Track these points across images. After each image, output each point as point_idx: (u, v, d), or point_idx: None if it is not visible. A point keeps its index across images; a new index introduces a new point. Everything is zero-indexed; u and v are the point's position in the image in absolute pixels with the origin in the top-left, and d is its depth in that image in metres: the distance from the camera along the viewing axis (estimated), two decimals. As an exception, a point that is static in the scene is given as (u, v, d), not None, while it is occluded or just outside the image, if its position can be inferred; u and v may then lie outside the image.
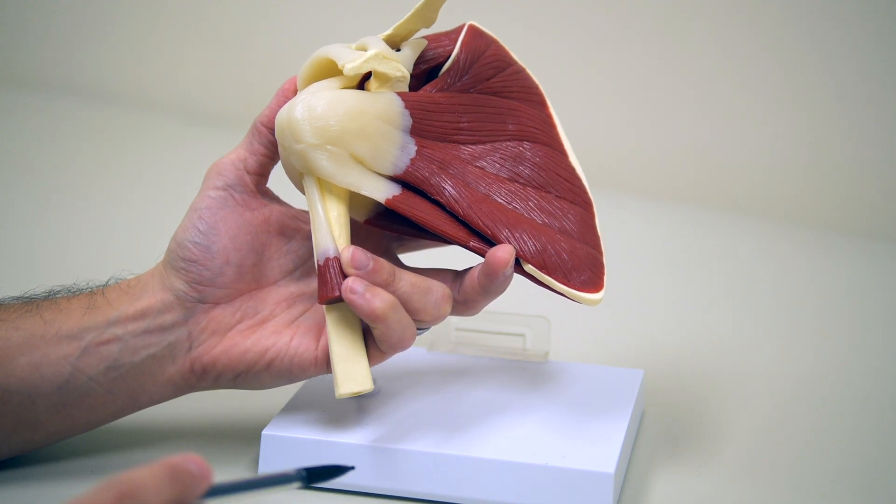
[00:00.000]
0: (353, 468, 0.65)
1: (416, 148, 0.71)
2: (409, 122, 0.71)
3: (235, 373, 0.72)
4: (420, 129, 0.71)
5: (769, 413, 0.82)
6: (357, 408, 0.75)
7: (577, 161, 0.77)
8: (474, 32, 0.75)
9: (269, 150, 0.73)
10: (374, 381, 0.78)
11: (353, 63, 0.69)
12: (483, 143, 0.73)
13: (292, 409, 0.75)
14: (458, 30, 0.75)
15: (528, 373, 0.80)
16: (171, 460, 0.52)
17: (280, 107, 0.72)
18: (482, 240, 0.71)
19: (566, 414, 0.74)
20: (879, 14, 1.22)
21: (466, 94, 0.74)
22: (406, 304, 0.69)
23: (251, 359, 0.72)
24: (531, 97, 0.76)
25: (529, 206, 0.73)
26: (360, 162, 0.70)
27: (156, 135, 1.50)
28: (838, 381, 0.88)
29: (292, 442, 0.72)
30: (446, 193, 0.71)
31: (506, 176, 0.73)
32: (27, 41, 1.67)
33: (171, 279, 0.72)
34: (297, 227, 0.75)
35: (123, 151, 1.46)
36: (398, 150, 0.70)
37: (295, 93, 0.72)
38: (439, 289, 0.70)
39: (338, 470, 0.63)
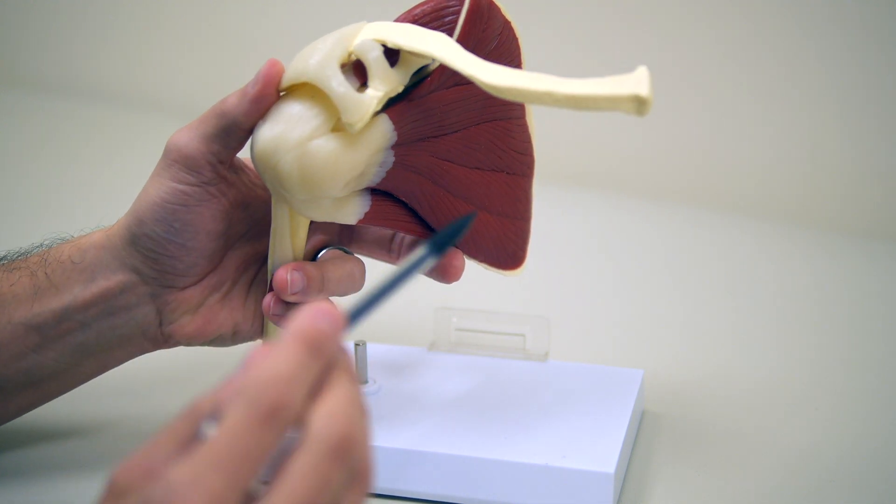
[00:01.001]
0: (472, 217, 0.61)
1: (393, 159, 0.68)
2: (394, 139, 0.68)
3: (207, 340, 0.72)
4: (402, 141, 0.68)
5: (769, 413, 0.82)
6: (357, 408, 0.75)
7: (532, 118, 0.75)
8: (473, 18, 0.70)
9: (244, 142, 0.70)
10: (374, 380, 0.78)
11: (359, 123, 0.65)
12: (458, 131, 0.71)
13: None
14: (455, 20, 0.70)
15: (528, 373, 0.80)
16: (303, 329, 0.46)
17: (258, 109, 0.67)
18: None
19: (566, 414, 0.74)
20: (880, 14, 1.22)
21: (452, 89, 0.70)
22: (334, 294, 0.72)
23: (223, 332, 0.72)
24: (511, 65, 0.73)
25: (489, 193, 0.73)
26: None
27: (156, 135, 1.49)
28: (838, 381, 0.88)
29: (293, 442, 0.72)
30: (413, 198, 0.71)
31: (471, 166, 0.73)
32: (27, 41, 1.67)
33: (136, 262, 0.69)
34: (254, 194, 0.72)
35: (123, 151, 1.46)
36: (378, 168, 0.68)
37: (277, 92, 0.67)
38: (359, 270, 0.73)
39: (459, 227, 0.58)
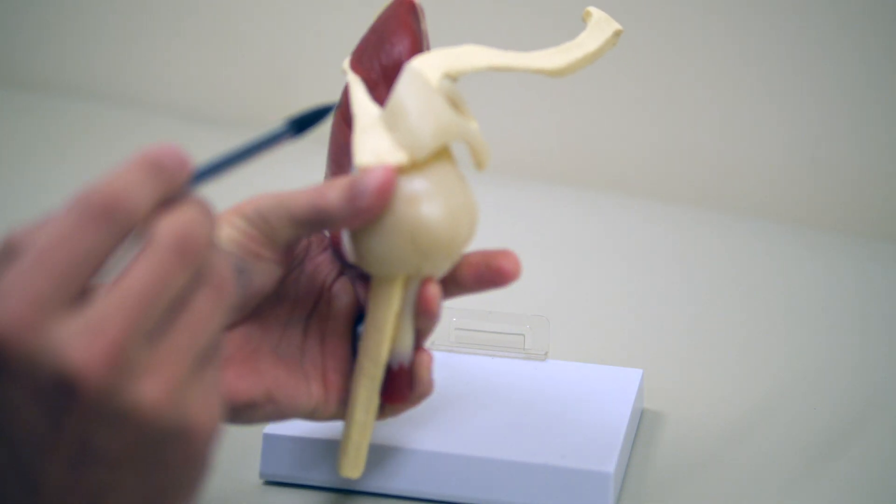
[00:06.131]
0: (335, 105, 0.60)
1: None
2: None
3: (233, 406, 0.63)
4: None
5: (769, 412, 0.82)
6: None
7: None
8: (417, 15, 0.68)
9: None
10: None
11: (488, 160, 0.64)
12: None
13: (292, 408, 0.75)
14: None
15: (527, 372, 0.80)
16: (145, 152, 0.45)
17: (364, 220, 0.60)
18: None
19: (565, 413, 0.74)
20: (881, 13, 1.22)
21: None
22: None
23: (256, 396, 0.64)
24: None
25: None
26: None
27: (155, 134, 1.49)
28: (839, 382, 0.88)
29: (293, 441, 0.72)
30: None
31: None
32: (26, 41, 1.67)
33: None
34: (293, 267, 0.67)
35: (121, 151, 1.46)
36: None
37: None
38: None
39: (322, 112, 0.58)
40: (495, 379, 0.79)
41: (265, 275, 0.62)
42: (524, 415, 0.74)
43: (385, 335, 0.64)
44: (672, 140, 1.32)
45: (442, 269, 0.63)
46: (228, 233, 0.61)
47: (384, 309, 0.63)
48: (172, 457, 0.45)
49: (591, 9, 0.68)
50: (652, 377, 0.85)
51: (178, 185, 0.46)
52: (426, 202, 0.61)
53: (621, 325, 0.98)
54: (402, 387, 0.65)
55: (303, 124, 0.57)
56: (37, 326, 0.42)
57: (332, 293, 0.67)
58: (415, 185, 0.61)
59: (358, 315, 0.67)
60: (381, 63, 0.67)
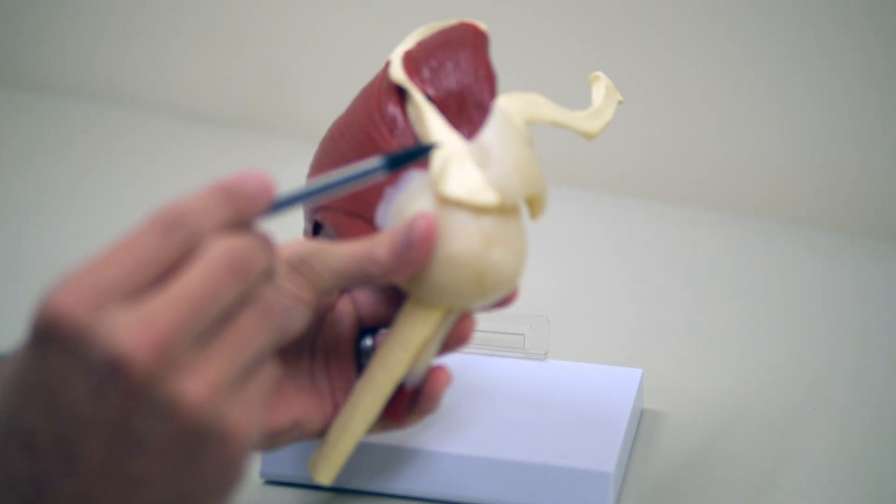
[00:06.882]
0: (434, 146, 0.61)
1: None
2: None
3: (266, 440, 0.64)
4: None
5: (768, 412, 0.82)
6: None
7: None
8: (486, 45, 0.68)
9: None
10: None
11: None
12: None
13: (291, 408, 0.75)
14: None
15: (527, 372, 0.80)
16: (226, 179, 0.50)
17: (409, 272, 0.61)
18: None
19: (565, 413, 0.74)
20: (881, 13, 1.22)
21: None
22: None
23: (285, 427, 0.64)
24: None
25: None
26: None
27: (157, 135, 1.49)
28: (838, 381, 0.88)
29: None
30: None
31: None
32: (26, 41, 1.67)
33: None
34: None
35: (120, 151, 1.46)
36: None
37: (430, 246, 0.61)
38: None
39: (422, 150, 0.60)
40: (495, 379, 0.79)
41: (302, 318, 0.63)
42: (524, 415, 0.74)
43: (411, 355, 0.63)
44: (672, 140, 1.32)
45: (486, 306, 0.64)
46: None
47: (418, 331, 0.63)
48: (207, 459, 0.48)
49: (600, 74, 0.70)
50: (652, 377, 0.85)
51: (255, 211, 0.50)
52: (501, 246, 0.61)
53: (621, 325, 0.98)
54: (403, 405, 0.65)
55: (398, 161, 0.57)
56: (96, 311, 0.46)
57: (336, 314, 0.67)
58: (493, 227, 0.61)
59: (360, 331, 0.67)
60: (449, 88, 0.66)
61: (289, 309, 0.62)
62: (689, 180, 1.31)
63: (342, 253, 0.62)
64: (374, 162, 0.56)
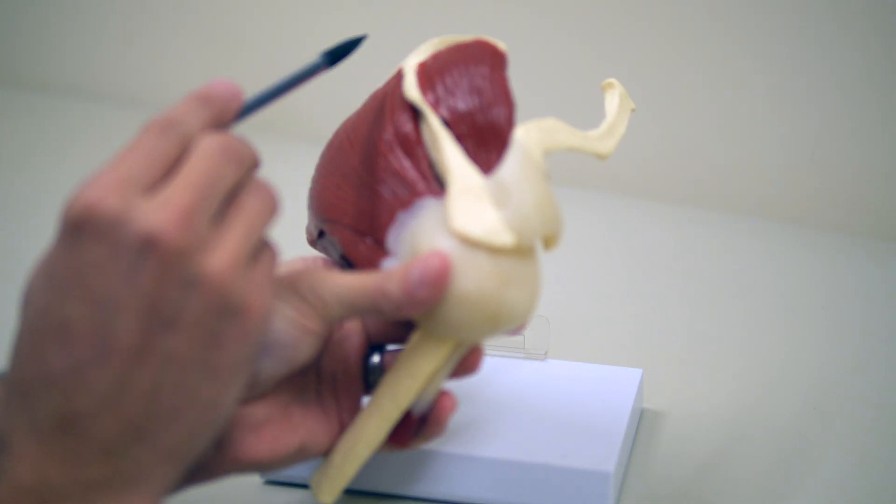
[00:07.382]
0: (365, 36, 0.64)
1: None
2: None
3: (271, 465, 0.63)
4: None
5: (768, 412, 0.82)
6: (356, 407, 0.75)
7: None
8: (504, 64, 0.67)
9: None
10: None
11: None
12: None
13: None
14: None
15: (527, 372, 0.80)
16: (199, 88, 0.55)
17: (420, 310, 0.60)
18: None
19: (565, 413, 0.74)
20: (881, 13, 1.22)
21: None
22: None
23: (291, 452, 0.63)
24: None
25: None
26: None
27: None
28: (839, 381, 0.88)
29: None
30: None
31: None
32: (26, 41, 1.67)
33: None
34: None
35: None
36: None
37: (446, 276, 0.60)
38: None
39: (354, 43, 0.63)
40: (495, 379, 0.79)
41: (312, 348, 0.62)
42: (524, 415, 0.74)
43: (419, 384, 0.63)
44: (672, 140, 1.32)
45: (493, 339, 0.65)
46: (282, 308, 0.60)
47: (427, 362, 0.62)
48: (230, 332, 0.52)
49: (614, 81, 0.70)
50: (652, 377, 0.85)
51: (230, 112, 0.56)
52: (516, 286, 0.60)
53: (621, 325, 0.98)
54: (409, 432, 0.64)
55: (336, 55, 0.62)
56: (121, 198, 0.51)
57: (344, 332, 0.66)
58: (509, 267, 0.60)
59: (368, 349, 0.66)
60: (465, 110, 0.64)
61: (295, 344, 0.61)
62: (689, 180, 1.31)
63: (353, 285, 0.60)
64: (315, 60, 0.61)
